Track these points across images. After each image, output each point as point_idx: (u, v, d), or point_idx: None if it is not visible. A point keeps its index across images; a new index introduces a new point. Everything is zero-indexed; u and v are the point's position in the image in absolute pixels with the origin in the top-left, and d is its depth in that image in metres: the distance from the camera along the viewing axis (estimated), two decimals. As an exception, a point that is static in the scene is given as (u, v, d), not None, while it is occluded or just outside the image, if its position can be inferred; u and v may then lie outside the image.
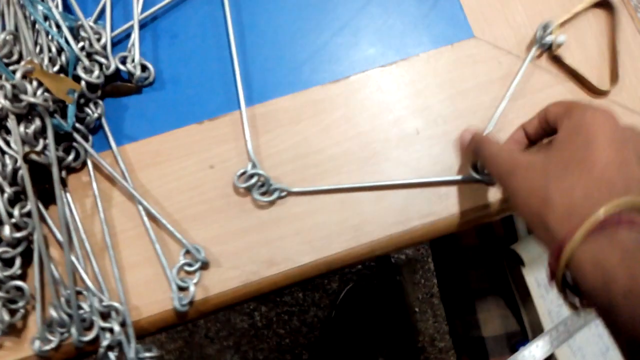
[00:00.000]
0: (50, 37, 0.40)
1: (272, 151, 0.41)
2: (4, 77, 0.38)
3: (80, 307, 0.38)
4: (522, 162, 0.33)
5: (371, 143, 0.41)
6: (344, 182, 0.40)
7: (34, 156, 0.37)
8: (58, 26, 0.40)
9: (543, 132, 0.36)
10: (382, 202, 0.40)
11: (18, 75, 0.37)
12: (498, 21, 0.43)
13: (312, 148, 0.41)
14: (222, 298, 0.39)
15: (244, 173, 0.40)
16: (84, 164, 0.41)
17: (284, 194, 0.40)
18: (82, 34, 0.41)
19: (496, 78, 0.42)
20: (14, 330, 0.38)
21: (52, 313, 0.37)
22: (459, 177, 0.40)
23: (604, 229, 0.28)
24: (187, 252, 0.39)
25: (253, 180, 0.39)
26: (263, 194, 0.40)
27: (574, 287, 0.30)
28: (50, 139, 0.37)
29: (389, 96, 0.42)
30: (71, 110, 0.39)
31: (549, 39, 0.42)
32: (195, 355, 0.99)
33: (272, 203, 0.40)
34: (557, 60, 0.42)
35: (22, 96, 0.36)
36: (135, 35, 0.42)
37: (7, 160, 0.37)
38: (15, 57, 0.39)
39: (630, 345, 0.26)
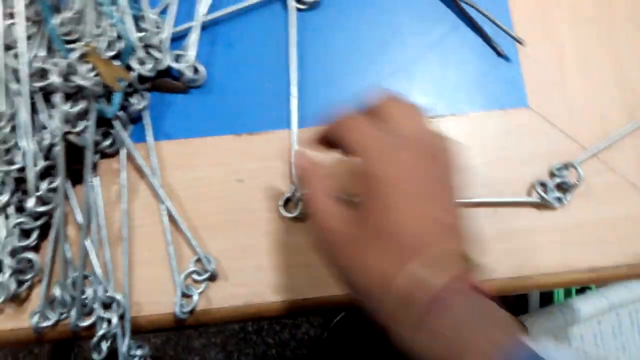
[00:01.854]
0: (112, 22, 0.40)
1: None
2: (59, 54, 0.38)
3: (83, 292, 0.38)
4: (338, 236, 0.28)
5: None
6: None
7: (72, 137, 0.37)
8: (122, 12, 0.41)
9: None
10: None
11: (74, 55, 0.37)
12: (555, 97, 0.43)
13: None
14: (222, 313, 0.39)
15: (290, 198, 0.40)
16: (117, 151, 0.41)
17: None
18: (143, 25, 0.41)
19: (541, 152, 0.41)
20: (17, 301, 0.38)
21: (57, 292, 0.38)
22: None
23: (422, 320, 0.25)
24: (199, 260, 0.39)
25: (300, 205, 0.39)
26: (295, 217, 0.40)
27: None
28: (92, 123, 0.38)
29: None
30: (117, 98, 0.39)
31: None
32: (182, 344, 0.99)
33: (296, 228, 0.40)
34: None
35: (74, 77, 0.37)
36: (194, 37, 0.42)
37: (45, 135, 0.38)
38: (75, 36, 0.40)
39: None
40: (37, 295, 0.38)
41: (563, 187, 0.40)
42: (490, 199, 0.40)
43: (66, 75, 0.37)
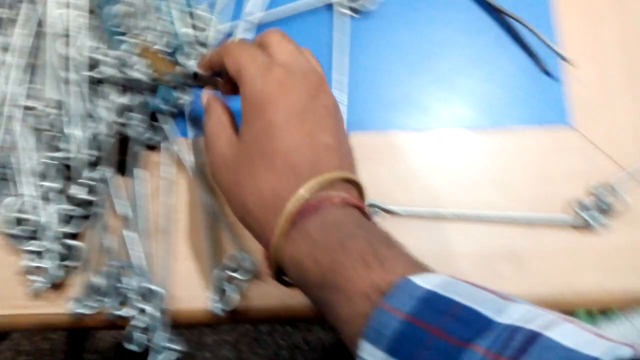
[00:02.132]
0: (162, 16, 0.41)
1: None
2: (112, 46, 0.39)
3: (122, 282, 0.38)
4: (229, 158, 0.31)
5: (438, 202, 0.41)
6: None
7: (120, 128, 0.38)
8: (172, 7, 0.41)
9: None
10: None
11: (127, 47, 0.38)
12: (598, 118, 0.43)
13: (382, 194, 0.41)
14: (256, 311, 0.39)
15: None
16: (161, 144, 0.41)
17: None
18: (192, 20, 0.42)
19: (580, 172, 0.41)
20: (57, 286, 0.39)
21: (96, 280, 0.38)
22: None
23: (295, 225, 0.28)
24: (237, 257, 0.39)
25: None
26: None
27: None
28: (139, 116, 0.38)
29: (469, 160, 0.42)
30: (164, 91, 0.40)
31: None
32: (194, 339, 1.00)
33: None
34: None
35: (125, 69, 0.38)
36: (238, 36, 0.43)
37: (93, 124, 0.38)
38: (126, 28, 0.40)
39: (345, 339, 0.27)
40: (77, 283, 0.39)
41: (601, 208, 0.40)
42: (526, 216, 0.41)
43: (118, 67, 0.38)
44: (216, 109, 0.34)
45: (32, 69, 0.40)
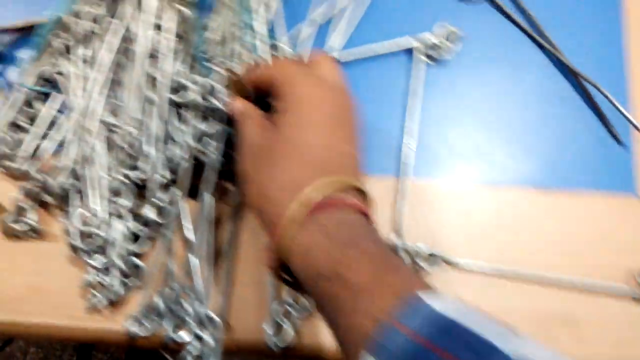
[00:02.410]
0: (246, 46, 0.41)
1: (412, 230, 0.41)
2: (199, 72, 0.39)
3: (181, 305, 0.38)
4: (255, 143, 0.33)
5: (498, 257, 0.41)
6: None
7: (200, 155, 0.38)
8: (259, 39, 0.42)
9: (260, 91, 0.36)
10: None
11: (214, 75, 0.39)
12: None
13: (441, 244, 0.41)
14: (309, 349, 0.39)
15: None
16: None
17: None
18: (274, 52, 0.42)
19: (645, 243, 0.41)
20: (117, 303, 0.39)
21: (155, 301, 0.38)
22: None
23: (312, 214, 0.28)
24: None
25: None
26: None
27: (293, 282, 0.31)
28: (216, 143, 0.39)
29: (532, 219, 0.42)
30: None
31: None
32: None
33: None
34: None
35: (210, 97, 0.38)
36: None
37: (173, 147, 0.39)
38: (212, 56, 0.41)
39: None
40: (136, 301, 0.39)
41: (664, 282, 0.40)
42: (585, 282, 0.40)
43: (204, 94, 0.38)
44: (247, 104, 0.36)
45: (113, 84, 0.41)
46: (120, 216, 0.38)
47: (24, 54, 0.44)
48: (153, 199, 0.38)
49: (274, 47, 0.42)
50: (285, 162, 0.30)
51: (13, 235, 0.40)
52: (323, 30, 0.45)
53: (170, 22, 0.39)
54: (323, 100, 0.32)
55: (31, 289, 0.40)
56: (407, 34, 0.45)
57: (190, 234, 0.40)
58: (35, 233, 0.40)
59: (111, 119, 0.39)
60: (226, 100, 0.37)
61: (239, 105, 0.36)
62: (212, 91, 0.38)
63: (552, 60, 0.45)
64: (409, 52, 0.45)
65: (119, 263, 0.38)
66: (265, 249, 0.31)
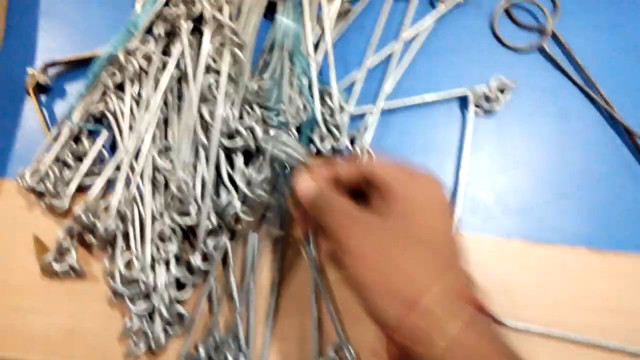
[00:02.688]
0: (298, 92, 0.41)
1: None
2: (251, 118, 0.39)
3: (224, 356, 0.37)
4: (360, 220, 0.30)
5: (548, 319, 0.40)
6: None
7: (250, 199, 0.37)
8: (308, 85, 0.41)
9: (357, 187, 0.33)
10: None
11: (277, 122, 0.38)
12: None
13: (489, 302, 0.40)
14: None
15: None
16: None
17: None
18: (327, 100, 0.41)
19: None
20: (156, 351, 0.38)
21: (200, 350, 0.37)
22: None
23: (462, 307, 0.27)
24: (340, 347, 0.38)
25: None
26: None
27: None
28: (265, 188, 0.38)
29: (584, 280, 0.41)
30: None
31: None
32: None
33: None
34: None
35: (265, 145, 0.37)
36: (372, 120, 0.42)
37: (223, 194, 0.38)
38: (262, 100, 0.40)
39: None
40: (175, 350, 0.38)
41: None
42: (635, 349, 0.39)
43: (256, 141, 0.37)
44: (338, 196, 0.32)
45: (162, 124, 0.40)
46: (165, 261, 0.37)
47: (73, 88, 0.44)
48: (201, 246, 0.37)
49: (328, 94, 0.42)
50: (410, 255, 0.28)
51: (52, 274, 0.39)
52: (370, 76, 0.45)
53: (224, 65, 0.38)
54: (434, 201, 0.31)
55: (67, 331, 0.39)
56: (451, 81, 0.44)
57: (233, 281, 0.38)
58: (75, 273, 0.39)
59: (162, 162, 0.38)
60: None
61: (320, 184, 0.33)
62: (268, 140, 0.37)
63: (603, 116, 0.45)
64: (458, 100, 0.44)
65: (163, 310, 0.37)
66: (379, 348, 0.29)
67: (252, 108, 0.39)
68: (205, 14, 0.39)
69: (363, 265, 0.29)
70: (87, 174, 0.40)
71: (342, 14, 0.45)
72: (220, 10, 0.40)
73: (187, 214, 0.37)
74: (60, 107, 0.43)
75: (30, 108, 0.43)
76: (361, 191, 0.32)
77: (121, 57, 0.40)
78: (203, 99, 0.39)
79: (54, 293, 0.39)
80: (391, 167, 0.32)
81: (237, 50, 0.39)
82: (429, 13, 0.46)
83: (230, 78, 0.39)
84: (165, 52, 0.41)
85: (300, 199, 0.33)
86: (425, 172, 0.32)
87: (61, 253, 0.39)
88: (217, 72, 0.39)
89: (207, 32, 0.39)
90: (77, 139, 0.41)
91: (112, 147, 0.42)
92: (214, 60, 0.39)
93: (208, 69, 0.39)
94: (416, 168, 0.32)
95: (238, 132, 0.38)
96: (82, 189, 0.40)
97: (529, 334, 0.39)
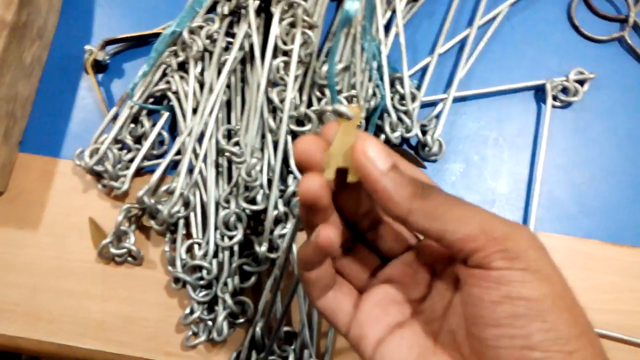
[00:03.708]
0: (369, 78, 0.39)
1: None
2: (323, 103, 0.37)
3: (286, 350, 0.36)
4: None
5: (623, 323, 0.38)
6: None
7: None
8: (378, 70, 0.39)
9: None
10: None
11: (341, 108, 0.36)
12: None
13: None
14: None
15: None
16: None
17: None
18: (397, 87, 0.39)
19: None
20: (217, 341, 0.36)
21: (265, 340, 0.35)
22: None
23: None
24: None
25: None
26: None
27: None
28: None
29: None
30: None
31: None
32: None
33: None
34: None
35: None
36: (445, 110, 0.40)
37: (290, 182, 0.36)
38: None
39: None
40: (235, 340, 0.36)
41: None
42: None
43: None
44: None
45: (226, 106, 0.39)
46: (230, 249, 0.36)
47: (130, 67, 0.42)
48: (268, 235, 0.36)
49: (399, 81, 0.40)
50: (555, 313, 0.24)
51: (109, 259, 0.38)
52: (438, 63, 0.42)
53: (295, 47, 0.37)
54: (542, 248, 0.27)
55: (123, 318, 0.37)
56: (524, 71, 0.42)
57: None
58: (133, 258, 0.38)
59: (230, 146, 0.36)
60: None
61: None
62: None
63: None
64: (533, 91, 0.42)
65: (227, 299, 0.35)
66: None
67: (322, 93, 0.37)
68: (276, -7, 0.37)
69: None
70: (146, 157, 0.39)
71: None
72: (291, -11, 0.38)
73: (254, 201, 0.35)
74: (117, 87, 0.42)
75: (86, 87, 0.42)
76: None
77: (185, 36, 0.38)
78: (271, 82, 0.37)
79: (110, 278, 0.38)
80: (481, 232, 0.24)
81: (309, 32, 0.37)
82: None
83: (300, 61, 0.37)
84: (227, 32, 0.40)
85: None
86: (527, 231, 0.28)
87: (119, 237, 0.38)
88: (285, 54, 0.38)
89: (277, 12, 0.37)
90: (135, 120, 0.40)
91: (170, 128, 0.40)
92: (284, 42, 0.37)
93: (275, 51, 0.38)
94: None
95: (308, 117, 0.36)
96: (137, 172, 0.39)
97: (602, 339, 0.37)
